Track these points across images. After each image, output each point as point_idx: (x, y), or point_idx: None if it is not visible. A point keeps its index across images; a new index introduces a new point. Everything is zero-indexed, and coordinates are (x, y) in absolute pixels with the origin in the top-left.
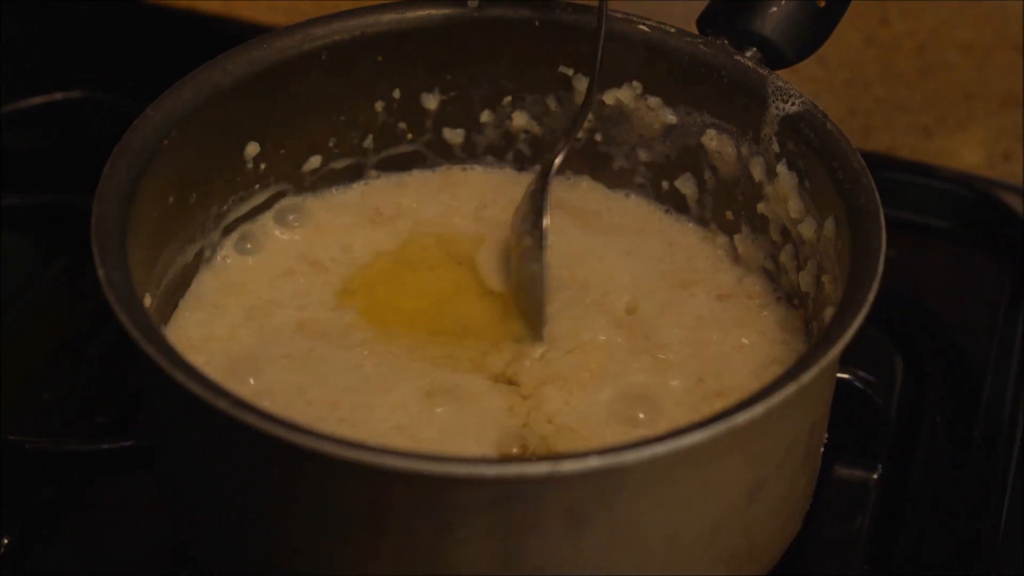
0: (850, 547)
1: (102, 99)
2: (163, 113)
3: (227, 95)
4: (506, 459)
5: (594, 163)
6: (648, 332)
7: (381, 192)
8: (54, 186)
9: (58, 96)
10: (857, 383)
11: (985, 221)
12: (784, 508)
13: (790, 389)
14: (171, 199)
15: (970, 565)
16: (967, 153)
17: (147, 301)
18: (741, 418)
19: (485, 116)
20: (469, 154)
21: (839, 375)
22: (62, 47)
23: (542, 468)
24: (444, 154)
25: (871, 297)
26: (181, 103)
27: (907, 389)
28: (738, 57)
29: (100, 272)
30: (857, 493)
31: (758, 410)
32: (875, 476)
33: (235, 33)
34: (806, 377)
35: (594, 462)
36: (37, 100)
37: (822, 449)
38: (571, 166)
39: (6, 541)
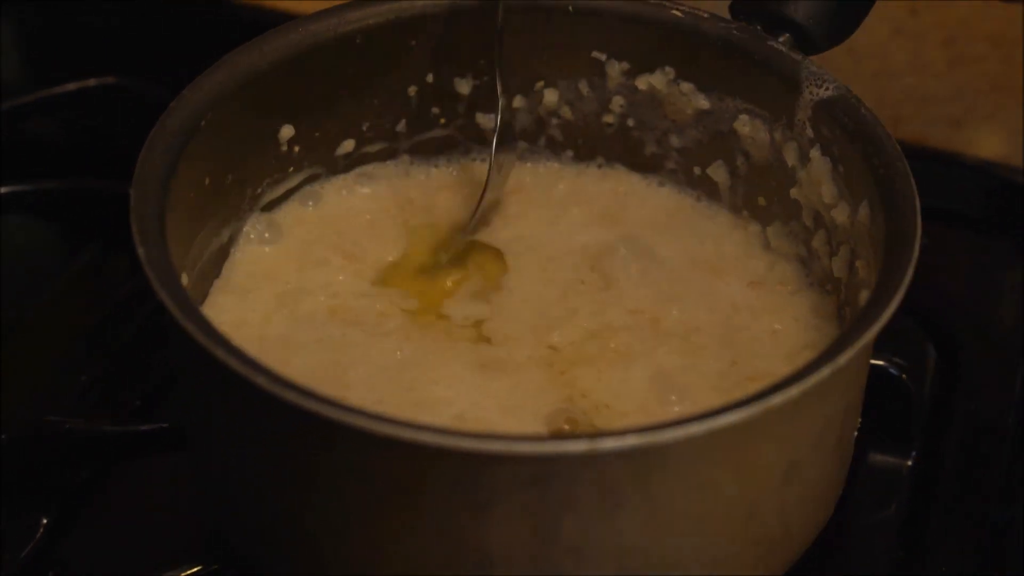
0: (884, 533)
1: (135, 86)
2: (200, 94)
3: (262, 77)
4: (544, 436)
5: (626, 148)
6: (679, 317)
7: (416, 181)
8: (85, 172)
9: (91, 82)
10: (892, 369)
11: (1014, 209)
12: (817, 491)
13: (825, 372)
14: (207, 180)
15: (1002, 552)
16: (995, 143)
17: (183, 280)
18: (777, 399)
19: (518, 101)
20: (503, 138)
21: (873, 361)
22: (96, 33)
23: (580, 446)
24: (477, 139)
25: (907, 280)
26: (217, 85)
27: (939, 376)
28: (771, 42)
29: (140, 251)
30: (891, 479)
31: (793, 392)
32: (908, 463)
33: (267, 21)
34: (842, 359)
35: (632, 440)
36: (71, 86)
37: (855, 434)
38: (603, 153)
39: (44, 522)
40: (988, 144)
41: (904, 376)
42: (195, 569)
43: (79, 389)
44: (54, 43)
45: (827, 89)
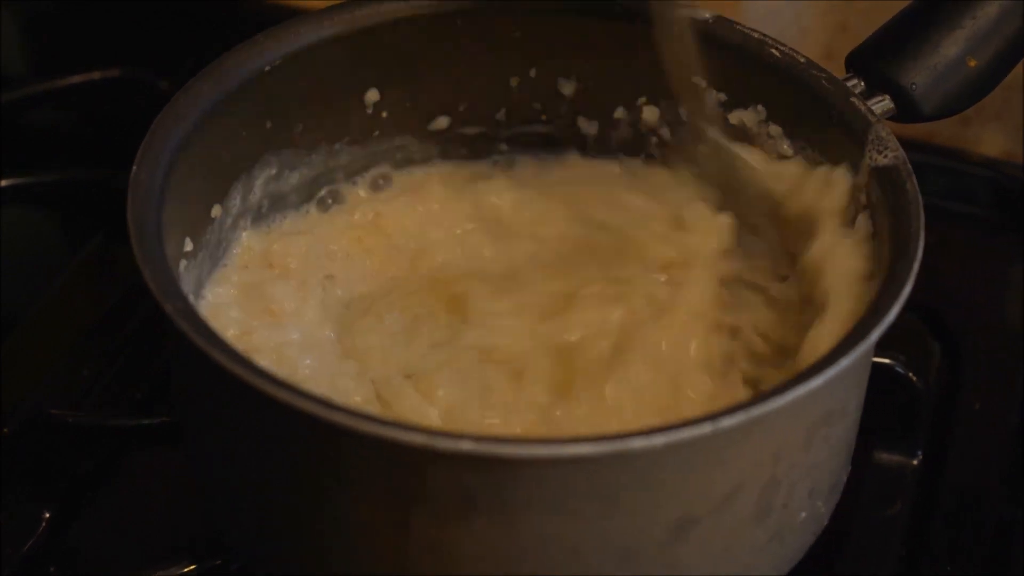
0: (888, 531)
1: (140, 78)
2: (272, 41)
3: (350, 38)
4: (384, 419)
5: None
6: None
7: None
8: (89, 164)
9: (96, 75)
10: (897, 367)
11: (1019, 207)
12: (731, 565)
13: (706, 429)
14: (268, 124)
15: (1008, 550)
16: (1002, 141)
17: (215, 212)
18: (638, 443)
19: (619, 112)
20: (603, 148)
21: (878, 359)
22: (100, 26)
23: (418, 438)
24: (578, 143)
25: (833, 370)
26: (295, 37)
27: (944, 375)
28: (853, 99)
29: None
30: (896, 477)
31: (658, 440)
32: (914, 461)
33: (272, 15)
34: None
35: (467, 446)
36: (75, 79)
37: (803, 513)
38: None
39: (47, 515)
40: (994, 142)
41: (909, 374)
42: (196, 565)
43: (82, 382)
44: (58, 35)
45: (886, 157)
